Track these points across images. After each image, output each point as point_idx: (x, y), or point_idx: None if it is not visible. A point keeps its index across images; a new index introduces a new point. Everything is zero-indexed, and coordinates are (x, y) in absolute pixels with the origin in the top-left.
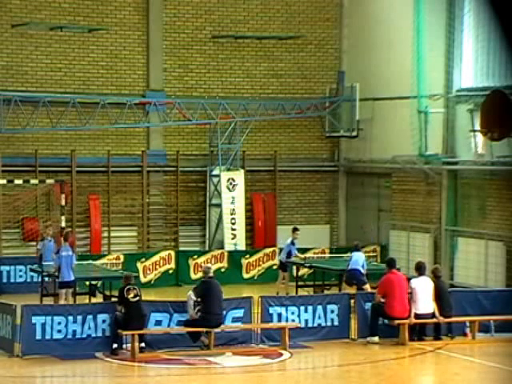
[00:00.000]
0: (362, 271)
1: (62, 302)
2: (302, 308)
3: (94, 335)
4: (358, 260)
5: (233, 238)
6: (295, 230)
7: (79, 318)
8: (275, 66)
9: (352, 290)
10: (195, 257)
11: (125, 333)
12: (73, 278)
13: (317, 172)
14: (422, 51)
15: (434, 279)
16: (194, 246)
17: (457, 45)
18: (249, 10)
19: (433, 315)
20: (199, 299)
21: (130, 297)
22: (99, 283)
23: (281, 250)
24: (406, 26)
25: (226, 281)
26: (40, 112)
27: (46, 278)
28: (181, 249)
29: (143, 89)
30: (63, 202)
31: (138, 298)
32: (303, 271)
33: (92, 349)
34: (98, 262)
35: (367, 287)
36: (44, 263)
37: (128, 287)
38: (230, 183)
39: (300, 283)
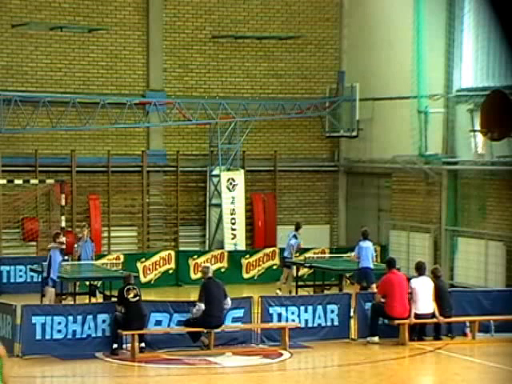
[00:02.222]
0: (372, 267)
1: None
2: (302, 308)
3: (94, 335)
4: (368, 254)
5: (233, 238)
6: (298, 227)
7: (79, 317)
8: (275, 65)
9: (352, 290)
10: (195, 257)
11: (125, 333)
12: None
13: (317, 172)
14: (422, 51)
15: (433, 279)
16: (193, 246)
17: (457, 45)
18: (249, 10)
19: (433, 315)
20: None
21: (129, 297)
22: (99, 283)
23: (282, 249)
24: (406, 26)
25: (226, 281)
26: (40, 112)
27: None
28: (181, 249)
29: (143, 89)
30: (63, 202)
31: (137, 297)
32: (303, 271)
33: (92, 349)
34: (98, 262)
35: (374, 287)
36: (82, 262)
37: (128, 287)
38: (230, 183)
39: (300, 283)
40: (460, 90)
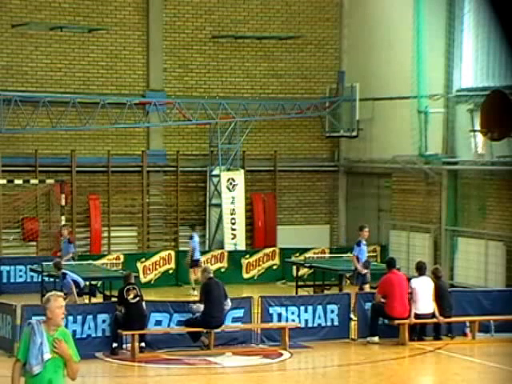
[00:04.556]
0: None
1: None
2: (302, 308)
3: (94, 335)
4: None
5: (233, 238)
6: (362, 228)
7: (79, 318)
8: (275, 65)
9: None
10: None
11: (125, 333)
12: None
13: (317, 172)
14: (422, 51)
15: (434, 280)
16: None
17: (457, 45)
18: (249, 10)
19: (433, 315)
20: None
21: (129, 298)
22: (99, 283)
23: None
24: (406, 26)
25: (226, 281)
26: (40, 112)
27: (46, 278)
28: (181, 249)
29: (143, 89)
30: (63, 202)
31: (138, 298)
32: (303, 271)
33: (92, 349)
34: (98, 262)
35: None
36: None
37: (128, 287)
38: (230, 183)
39: (300, 283)
40: (460, 90)
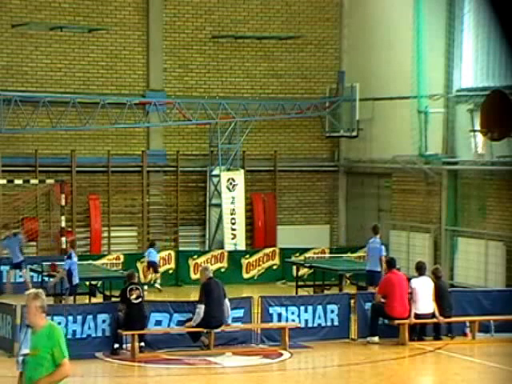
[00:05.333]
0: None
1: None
2: (302, 308)
3: (94, 335)
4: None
5: (233, 238)
6: (375, 228)
7: (79, 317)
8: (275, 65)
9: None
10: (195, 257)
11: (125, 333)
12: None
13: (317, 172)
14: (422, 51)
15: (434, 280)
16: (193, 246)
17: (457, 45)
18: (249, 10)
19: (433, 315)
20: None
21: (132, 298)
22: (99, 283)
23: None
24: (406, 26)
25: (226, 281)
26: (40, 112)
27: (46, 278)
28: (181, 249)
29: (143, 89)
30: (63, 202)
31: (140, 299)
32: (303, 271)
33: (92, 349)
34: (98, 262)
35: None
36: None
37: (131, 287)
38: (230, 183)
39: (300, 283)
40: (460, 90)
